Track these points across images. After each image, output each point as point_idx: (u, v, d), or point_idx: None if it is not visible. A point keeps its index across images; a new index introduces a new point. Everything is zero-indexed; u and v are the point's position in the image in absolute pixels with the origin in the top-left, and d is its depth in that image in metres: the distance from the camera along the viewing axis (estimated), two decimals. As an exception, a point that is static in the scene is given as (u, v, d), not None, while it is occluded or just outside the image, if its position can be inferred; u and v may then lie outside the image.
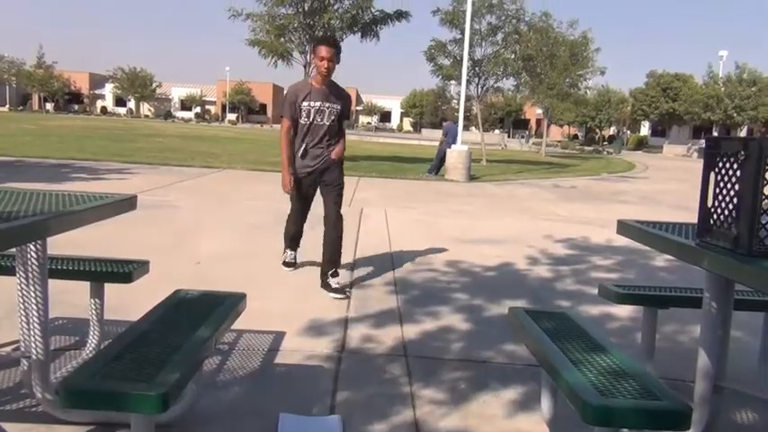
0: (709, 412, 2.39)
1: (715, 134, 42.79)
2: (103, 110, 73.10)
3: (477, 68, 22.14)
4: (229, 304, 2.54)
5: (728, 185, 1.93)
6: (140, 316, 2.35)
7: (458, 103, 18.30)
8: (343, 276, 4.64)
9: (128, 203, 2.52)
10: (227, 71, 75.04)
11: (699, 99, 47.34)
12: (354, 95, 76.88)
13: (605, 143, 54.35)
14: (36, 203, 2.20)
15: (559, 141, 54.83)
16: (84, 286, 2.96)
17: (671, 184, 18.30)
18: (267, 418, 2.52)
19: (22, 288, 2.26)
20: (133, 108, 74.10)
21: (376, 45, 29.91)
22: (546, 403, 2.47)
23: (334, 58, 4.35)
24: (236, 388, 2.81)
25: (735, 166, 1.90)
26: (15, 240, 1.90)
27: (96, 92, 75.65)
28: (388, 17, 18.67)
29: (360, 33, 18.66)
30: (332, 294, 4.30)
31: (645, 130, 62.83)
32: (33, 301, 2.26)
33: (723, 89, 46.13)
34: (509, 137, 56.09)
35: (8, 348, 3.04)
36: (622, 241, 6.65)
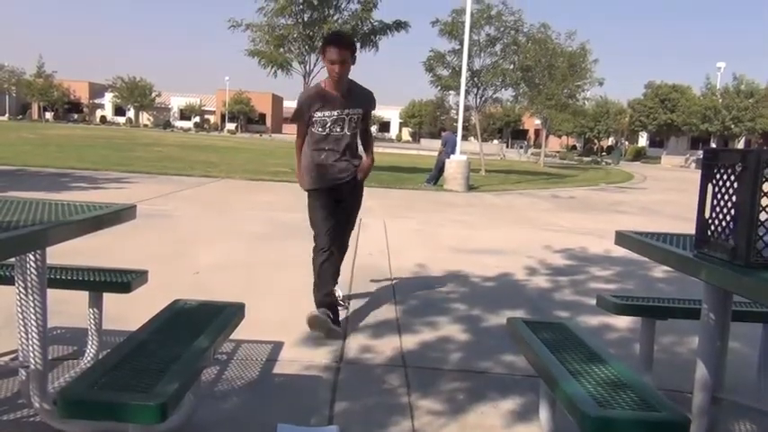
0: (708, 423, 2.39)
1: (713, 145, 42.95)
2: (103, 119, 73.22)
3: (475, 79, 22.24)
4: (228, 314, 2.54)
5: (726, 197, 1.93)
6: (139, 326, 2.35)
7: (457, 114, 18.37)
8: (340, 287, 4.57)
9: (127, 213, 2.53)
10: (226, 81, 75.25)
11: (697, 110, 47.49)
12: (353, 105, 77.06)
13: (604, 154, 54.47)
14: (35, 213, 2.21)
15: (558, 152, 54.96)
16: (83, 296, 2.96)
17: (669, 194, 18.33)
18: (265, 428, 2.51)
19: (20, 297, 2.26)
20: (132, 117, 74.22)
21: (375, 55, 29.96)
22: (544, 414, 2.47)
23: (348, 60, 3.63)
24: (235, 398, 2.81)
25: (732, 177, 1.91)
26: (15, 250, 1.91)
27: (96, 101, 75.78)
28: (387, 28, 18.76)
29: (359, 44, 18.73)
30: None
31: (643, 140, 62.98)
32: (32, 310, 2.26)
33: (721, 100, 46.31)
34: (508, 147, 56.21)
35: (6, 358, 3.03)
36: (621, 252, 6.66)
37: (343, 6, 18.27)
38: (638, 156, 54.54)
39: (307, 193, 3.92)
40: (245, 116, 74.04)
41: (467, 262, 6.18)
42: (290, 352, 3.41)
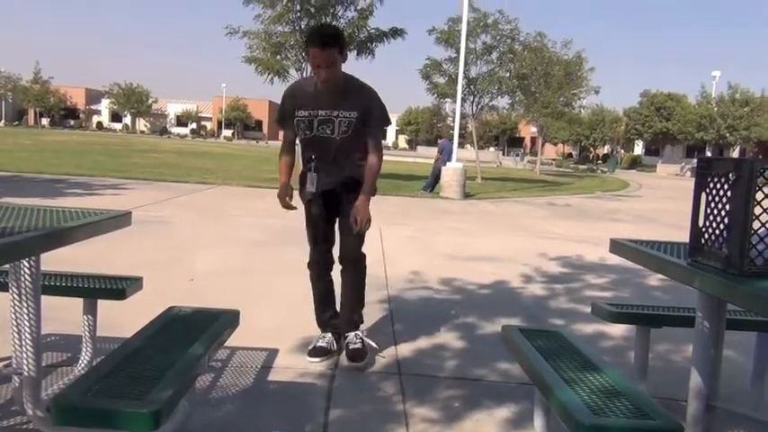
0: (702, 431, 2.39)
1: (708, 154, 43.09)
2: (99, 125, 73.16)
3: (472, 87, 22.31)
4: (223, 321, 2.54)
5: (719, 206, 1.94)
6: (133, 333, 2.35)
7: (453, 121, 18.41)
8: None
9: (122, 220, 2.53)
10: (223, 87, 75.41)
11: (692, 119, 47.72)
12: (350, 113, 77.16)
13: (599, 162, 54.67)
14: (30, 219, 2.20)
15: (554, 159, 55.09)
16: (78, 303, 2.95)
17: (664, 202, 18.39)
18: (259, 436, 2.51)
19: (14, 304, 2.25)
20: (129, 124, 74.20)
21: (371, 63, 30.05)
22: (539, 422, 2.47)
23: (335, 60, 3.05)
24: (229, 405, 2.80)
25: (726, 186, 1.92)
26: (9, 257, 1.91)
27: (92, 107, 75.78)
28: (383, 35, 18.82)
29: (355, 51, 18.79)
30: (349, 362, 3.33)
31: (639, 149, 63.22)
32: (26, 317, 2.25)
33: (716, 109, 46.52)
34: (504, 155, 56.35)
35: (0, 365, 3.02)
36: (616, 260, 6.66)
37: (339, 14, 18.33)
38: (634, 164, 54.74)
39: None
40: (241, 123, 74.10)
41: (462, 269, 6.18)
42: (285, 359, 3.41)
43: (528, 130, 61.84)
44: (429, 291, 5.27)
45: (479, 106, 23.44)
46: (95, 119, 75.23)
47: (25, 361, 2.26)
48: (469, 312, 4.63)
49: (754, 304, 1.71)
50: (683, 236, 2.28)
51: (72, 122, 71.87)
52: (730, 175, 1.90)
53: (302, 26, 17.96)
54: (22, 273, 2.23)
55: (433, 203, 13.62)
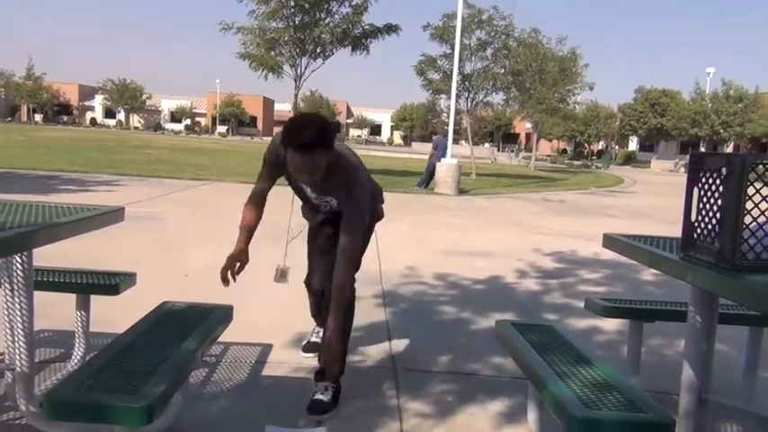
0: (694, 425, 2.41)
1: (702, 150, 43.23)
2: (93, 121, 72.86)
3: (466, 83, 22.30)
4: (216, 316, 2.54)
5: (712, 200, 1.95)
6: (126, 328, 2.34)
7: (448, 117, 18.41)
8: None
9: (115, 215, 2.52)
10: (217, 84, 75.16)
11: (686, 115, 47.81)
12: (345, 108, 77.16)
13: (594, 158, 54.73)
14: (23, 215, 2.20)
15: (548, 155, 55.19)
16: (71, 298, 2.95)
17: (658, 198, 18.44)
18: (254, 430, 2.51)
19: (7, 300, 2.25)
20: (123, 120, 73.91)
21: (366, 59, 30.02)
22: (533, 416, 2.48)
23: (320, 163, 2.49)
24: (223, 400, 2.80)
25: (718, 181, 1.93)
26: (1, 252, 1.90)
27: (86, 103, 75.42)
28: (377, 31, 18.81)
29: (350, 47, 18.77)
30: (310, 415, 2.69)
31: (633, 145, 63.34)
32: (18, 313, 2.25)
33: (710, 105, 46.62)
34: (499, 150, 56.38)
35: (-8, 360, 3.01)
36: (610, 255, 6.68)
37: (334, 10, 18.31)
38: (629, 160, 54.85)
39: None
40: (236, 119, 73.90)
41: (457, 265, 6.19)
42: (279, 354, 3.41)
43: (523, 126, 61.88)
44: (423, 286, 5.28)
45: (474, 102, 23.44)
46: (89, 115, 74.90)
47: (18, 356, 2.25)
48: (464, 307, 4.64)
49: (746, 298, 1.72)
50: (676, 231, 2.29)
51: (65, 118, 71.50)
52: (722, 170, 1.91)
53: (296, 22, 17.93)
54: (15, 268, 2.22)
55: (427, 199, 13.63)
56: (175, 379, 1.93)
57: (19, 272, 2.23)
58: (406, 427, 2.64)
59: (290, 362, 3.31)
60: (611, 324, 4.27)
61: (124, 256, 5.48)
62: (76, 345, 2.99)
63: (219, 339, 2.57)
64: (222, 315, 2.57)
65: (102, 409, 1.72)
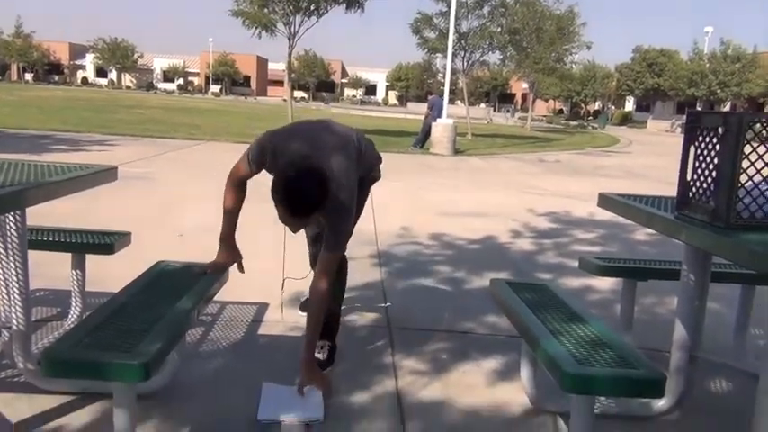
0: (684, 381, 2.45)
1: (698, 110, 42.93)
2: (84, 81, 71.89)
3: (463, 41, 22.01)
4: (212, 275, 2.54)
5: (708, 159, 1.95)
6: (122, 287, 2.35)
7: (443, 77, 18.23)
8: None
9: (108, 174, 2.50)
10: (210, 42, 74.12)
11: (683, 75, 47.47)
12: (339, 68, 76.26)
13: (590, 118, 54.48)
14: (15, 174, 2.18)
15: (545, 116, 54.87)
16: (66, 258, 2.95)
17: (654, 159, 18.43)
18: (250, 388, 2.53)
19: (1, 259, 2.24)
20: (114, 79, 72.96)
21: (361, 16, 29.53)
22: (526, 372, 2.51)
23: (310, 221, 2.35)
24: (220, 358, 2.83)
25: (714, 140, 1.92)
26: (-6, 210, 1.89)
27: (76, 62, 74.29)
28: (373, -12, 18.43)
29: (345, 4, 18.44)
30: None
31: (630, 105, 63.01)
32: (13, 272, 2.25)
33: (708, 65, 46.25)
34: (495, 111, 55.99)
35: (-11, 319, 3.02)
36: (604, 215, 6.70)
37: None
38: (625, 120, 54.62)
39: None
40: (229, 78, 73.02)
41: (452, 225, 6.20)
42: (274, 313, 3.43)
43: (519, 87, 61.39)
44: (418, 246, 5.29)
45: (470, 62, 23.18)
46: (80, 74, 73.85)
47: (14, 315, 2.26)
48: (458, 267, 4.67)
49: (740, 256, 1.73)
50: (671, 191, 2.29)
51: (56, 78, 70.48)
52: (719, 129, 1.90)
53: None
54: (8, 227, 2.21)
55: (422, 160, 13.58)
56: (172, 337, 1.95)
57: (13, 231, 2.22)
58: (400, 385, 2.67)
59: (287, 321, 3.33)
60: (604, 283, 4.30)
61: (118, 216, 5.46)
62: (72, 303, 3.00)
63: (215, 298, 2.58)
64: (218, 274, 2.57)
65: (100, 366, 1.73)
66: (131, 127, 16.15)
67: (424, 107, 18.88)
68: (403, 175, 10.26)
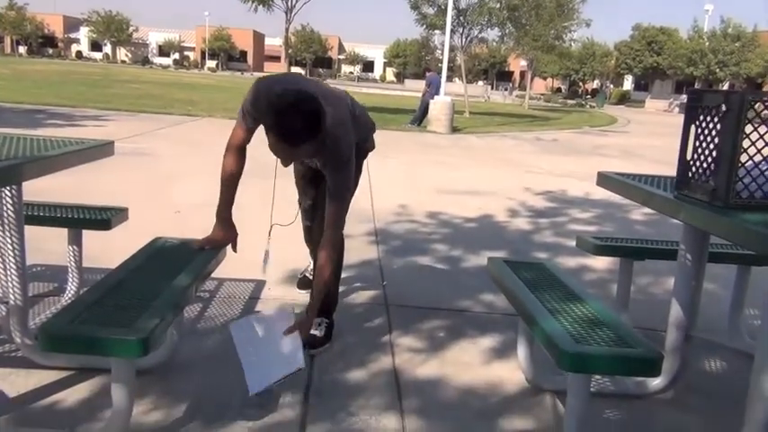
0: (680, 360, 2.47)
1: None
2: (79, 54, 71.18)
3: (461, 18, 21.79)
4: (210, 252, 2.53)
5: (708, 139, 1.94)
6: (119, 263, 2.34)
7: (442, 54, 18.09)
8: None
9: (105, 149, 2.48)
10: (206, 16, 73.24)
11: (683, 54, 47.25)
12: (336, 44, 75.64)
13: (588, 97, 54.28)
14: (10, 148, 2.16)
15: (543, 94, 54.65)
16: (62, 234, 2.93)
17: (651, 138, 18.39)
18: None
19: (-2, 234, 2.23)
20: (109, 53, 72.27)
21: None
22: (522, 351, 2.52)
23: (301, 153, 2.27)
24: (217, 335, 2.83)
25: (715, 119, 1.91)
26: (-11, 185, 1.87)
27: (71, 36, 73.50)
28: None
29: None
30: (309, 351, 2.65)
31: (628, 84, 62.77)
32: (10, 247, 2.24)
33: (707, 44, 46.01)
34: (493, 89, 55.71)
35: (-14, 294, 3.02)
36: (601, 195, 6.71)
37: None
38: (623, 99, 54.43)
39: None
40: (225, 53, 72.43)
41: (449, 203, 6.20)
42: (272, 290, 3.44)
43: (517, 64, 61.07)
44: (416, 224, 5.29)
45: (469, 39, 22.97)
46: (74, 48, 73.11)
47: (11, 290, 2.26)
48: (455, 245, 4.67)
49: (739, 236, 1.73)
50: (669, 171, 2.28)
51: (50, 51, 69.80)
52: (720, 107, 1.89)
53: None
54: (4, 202, 2.20)
55: (420, 137, 13.53)
56: (170, 313, 1.94)
57: (9, 205, 2.21)
58: (397, 362, 2.69)
59: (284, 297, 3.34)
60: (601, 262, 4.31)
61: (114, 192, 5.44)
62: (69, 279, 3.00)
63: (213, 275, 2.58)
64: (215, 251, 2.57)
65: (98, 341, 1.73)
66: (127, 102, 16.04)
67: (421, 84, 18.78)
68: (400, 152, 10.23)
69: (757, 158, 1.86)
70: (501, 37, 25.87)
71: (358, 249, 4.35)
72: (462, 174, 8.59)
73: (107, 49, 72.12)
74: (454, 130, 15.47)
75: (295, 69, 61.22)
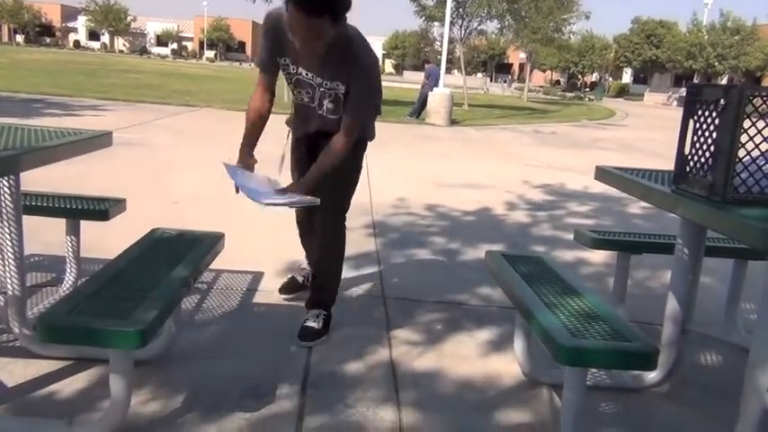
0: (676, 354, 2.48)
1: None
2: (76, 44, 70.91)
3: (461, 9, 21.73)
4: (207, 244, 2.54)
5: (707, 133, 1.94)
6: (117, 254, 2.34)
7: (441, 46, 18.04)
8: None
9: (103, 140, 2.48)
10: (204, 6, 72.89)
11: (682, 47, 47.16)
12: (336, 35, 75.31)
13: (587, 89, 54.21)
14: (8, 138, 2.15)
15: (541, 87, 54.57)
16: (60, 224, 2.93)
17: (650, 132, 18.39)
18: (245, 356, 2.55)
19: (-5, 224, 2.23)
20: (107, 43, 71.98)
21: (358, -17, 28.95)
22: (519, 344, 2.53)
23: (324, 32, 2.21)
24: (215, 326, 2.84)
25: (714, 114, 1.91)
26: (-13, 175, 1.87)
27: (68, 25, 73.20)
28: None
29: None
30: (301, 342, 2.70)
31: (627, 77, 62.68)
32: (8, 237, 2.24)
33: (707, 37, 45.93)
34: (492, 81, 55.61)
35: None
36: (599, 188, 6.71)
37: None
38: (622, 92, 54.39)
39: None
40: (224, 44, 72.18)
41: (447, 196, 6.20)
42: (270, 282, 3.44)
43: (516, 57, 60.86)
44: (414, 217, 5.30)
45: (468, 30, 22.92)
46: (72, 37, 72.82)
47: (9, 280, 2.26)
48: (453, 238, 4.68)
49: (736, 231, 1.73)
50: (667, 165, 2.28)
51: (48, 40, 69.52)
52: (719, 102, 1.89)
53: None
54: (2, 192, 2.19)
55: (418, 130, 13.52)
56: (168, 305, 1.95)
57: (6, 195, 2.21)
58: (395, 354, 2.69)
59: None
60: (598, 256, 4.32)
61: (112, 183, 5.43)
62: (68, 270, 3.00)
63: (211, 267, 2.58)
64: (213, 242, 2.57)
65: (96, 332, 1.73)
66: (125, 92, 15.99)
67: (420, 76, 18.72)
68: (399, 145, 10.22)
69: (755, 153, 1.86)
70: (500, 29, 25.84)
71: (356, 242, 4.35)
72: (461, 166, 8.59)
73: (105, 38, 71.87)
74: (453, 122, 15.45)
75: (293, 60, 60.82)
